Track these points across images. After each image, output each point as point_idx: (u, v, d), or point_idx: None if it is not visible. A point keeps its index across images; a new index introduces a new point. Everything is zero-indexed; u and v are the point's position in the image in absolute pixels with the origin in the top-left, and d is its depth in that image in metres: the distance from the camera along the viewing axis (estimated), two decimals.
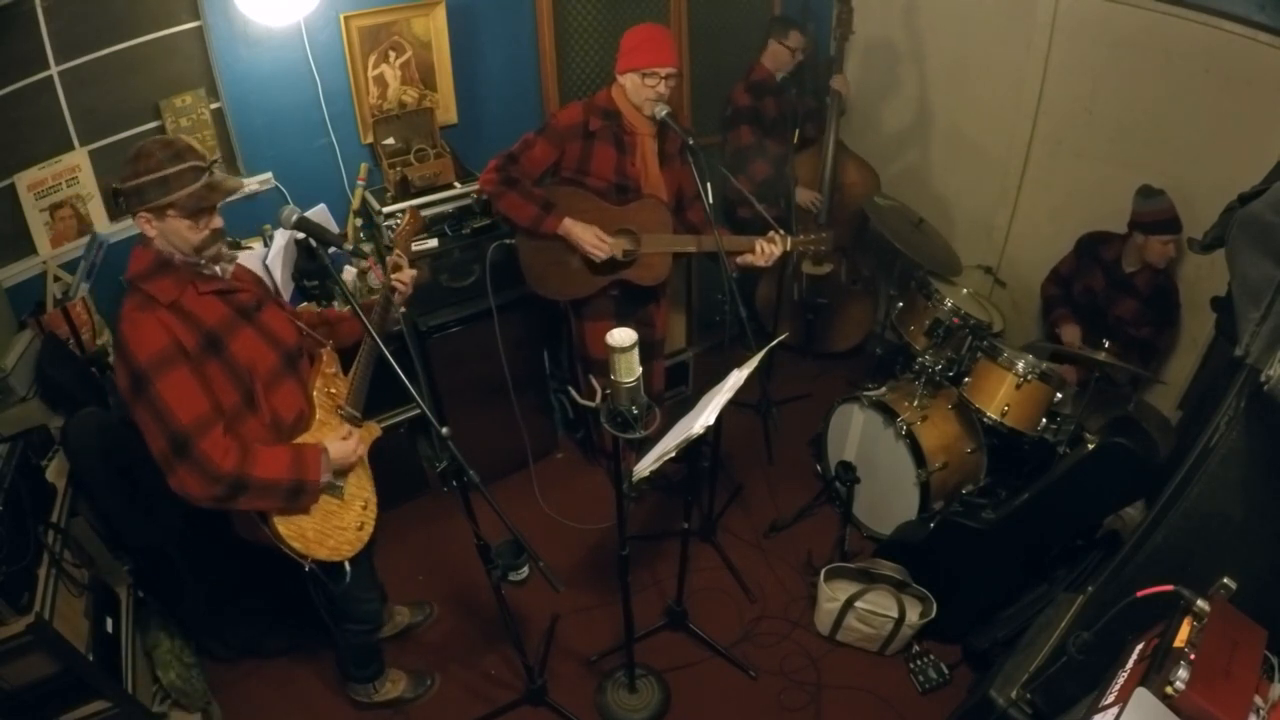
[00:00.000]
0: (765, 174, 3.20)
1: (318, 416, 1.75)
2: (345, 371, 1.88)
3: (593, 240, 2.37)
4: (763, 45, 3.24)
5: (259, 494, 1.56)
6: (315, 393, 1.78)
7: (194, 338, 1.52)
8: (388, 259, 1.97)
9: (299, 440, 1.69)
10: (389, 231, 2.06)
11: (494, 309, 2.58)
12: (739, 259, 2.42)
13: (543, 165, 2.40)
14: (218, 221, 1.56)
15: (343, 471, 1.76)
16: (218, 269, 1.61)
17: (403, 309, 2.07)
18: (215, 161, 1.51)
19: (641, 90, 2.29)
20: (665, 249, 2.49)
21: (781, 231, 2.41)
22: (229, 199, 1.59)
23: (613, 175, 2.41)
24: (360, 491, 1.83)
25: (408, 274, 1.96)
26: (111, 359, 1.53)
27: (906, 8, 3.31)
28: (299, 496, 1.62)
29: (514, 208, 2.35)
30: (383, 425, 2.68)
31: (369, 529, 1.82)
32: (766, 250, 2.38)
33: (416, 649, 2.51)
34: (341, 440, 1.73)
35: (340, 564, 1.74)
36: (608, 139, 2.38)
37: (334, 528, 1.73)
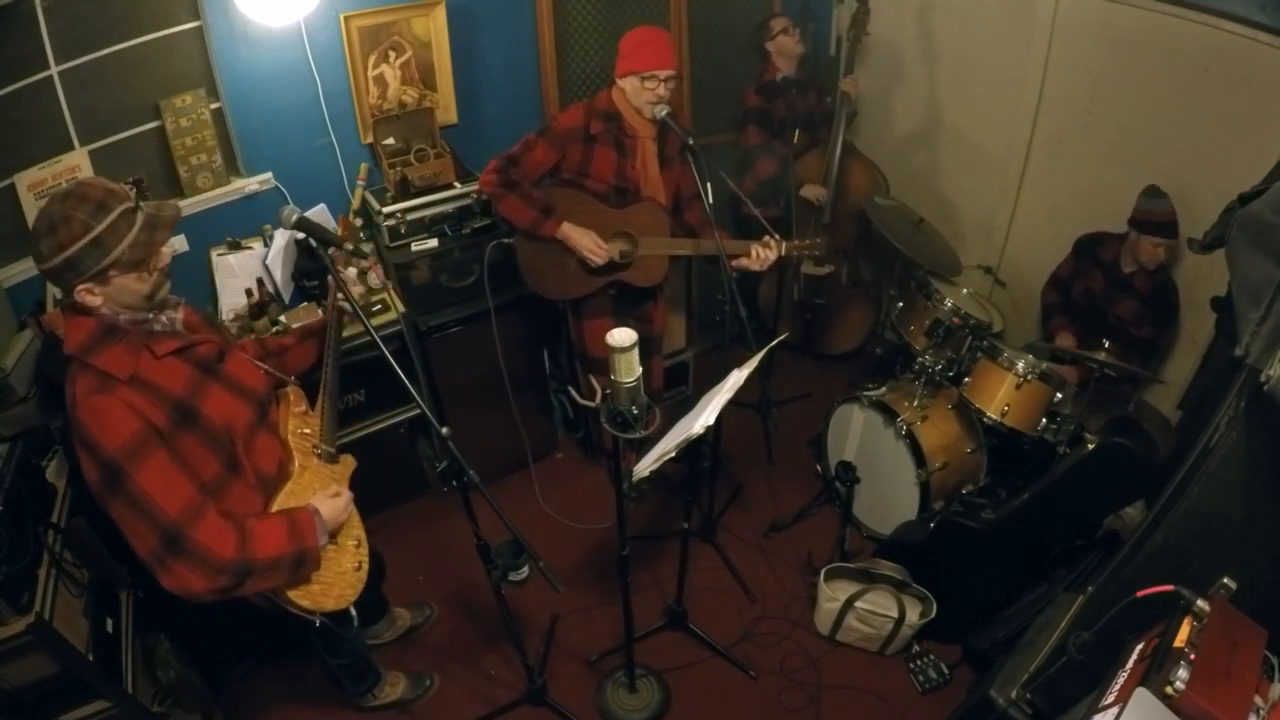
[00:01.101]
0: (770, 173, 3.22)
1: (297, 462, 1.63)
2: (310, 406, 1.79)
3: (590, 246, 2.38)
4: (763, 55, 3.28)
5: (264, 575, 1.43)
6: (290, 436, 1.66)
7: (163, 413, 1.35)
8: (328, 279, 1.83)
9: (283, 492, 1.57)
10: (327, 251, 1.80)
11: (492, 310, 2.59)
12: (734, 262, 2.42)
13: (543, 167, 2.40)
14: (165, 258, 1.36)
15: (335, 531, 1.65)
16: (165, 318, 1.43)
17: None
18: (139, 202, 1.32)
19: (641, 93, 2.30)
20: (662, 252, 2.50)
21: (776, 236, 2.41)
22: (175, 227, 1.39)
23: (613, 178, 2.42)
24: (351, 530, 1.74)
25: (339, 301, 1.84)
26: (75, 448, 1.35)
27: (915, 9, 3.31)
28: (302, 567, 1.51)
29: (514, 211, 2.36)
30: (382, 425, 2.73)
31: (366, 567, 1.74)
32: (761, 255, 2.39)
33: (416, 649, 2.51)
34: (332, 499, 1.62)
35: (347, 610, 1.69)
36: (608, 142, 2.38)
37: (335, 574, 1.64)
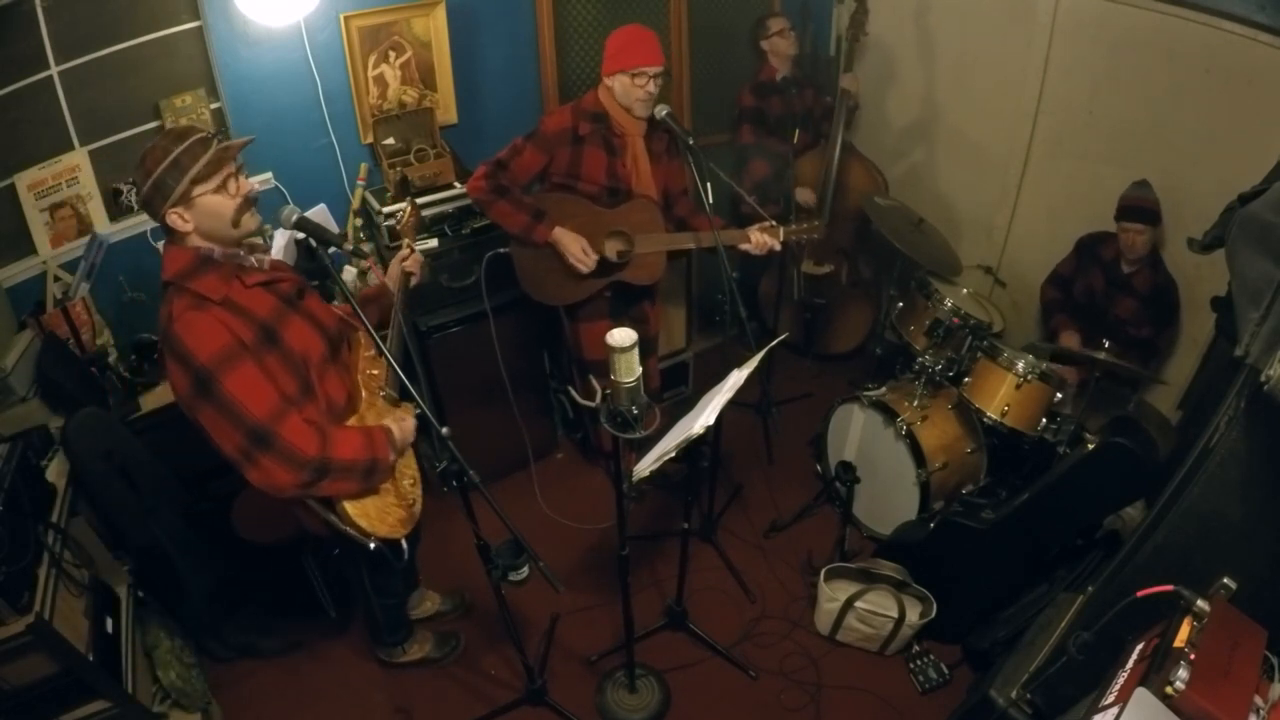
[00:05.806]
0: (765, 173, 3.21)
1: (364, 398, 1.76)
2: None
3: (577, 254, 2.39)
4: (760, 54, 3.28)
5: (340, 475, 1.55)
6: (360, 375, 1.79)
7: (251, 331, 1.49)
8: (399, 251, 2.05)
9: (350, 422, 1.69)
10: (395, 222, 2.20)
11: (490, 313, 2.59)
12: (734, 246, 2.42)
13: (532, 171, 2.39)
14: (245, 185, 1.51)
15: (402, 450, 1.77)
16: (254, 259, 1.59)
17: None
18: (217, 134, 1.52)
19: (632, 91, 2.30)
20: (659, 248, 2.49)
21: (773, 223, 2.41)
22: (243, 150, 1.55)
23: (604, 179, 2.41)
24: (407, 469, 1.83)
25: (414, 259, 2.05)
26: (164, 363, 1.51)
27: (915, 9, 3.31)
28: (373, 475, 1.63)
29: (504, 216, 2.36)
30: None
31: (419, 505, 1.82)
32: (758, 239, 2.39)
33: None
34: (402, 421, 1.74)
35: (398, 542, 1.74)
36: (597, 143, 2.37)
37: (390, 505, 1.72)
